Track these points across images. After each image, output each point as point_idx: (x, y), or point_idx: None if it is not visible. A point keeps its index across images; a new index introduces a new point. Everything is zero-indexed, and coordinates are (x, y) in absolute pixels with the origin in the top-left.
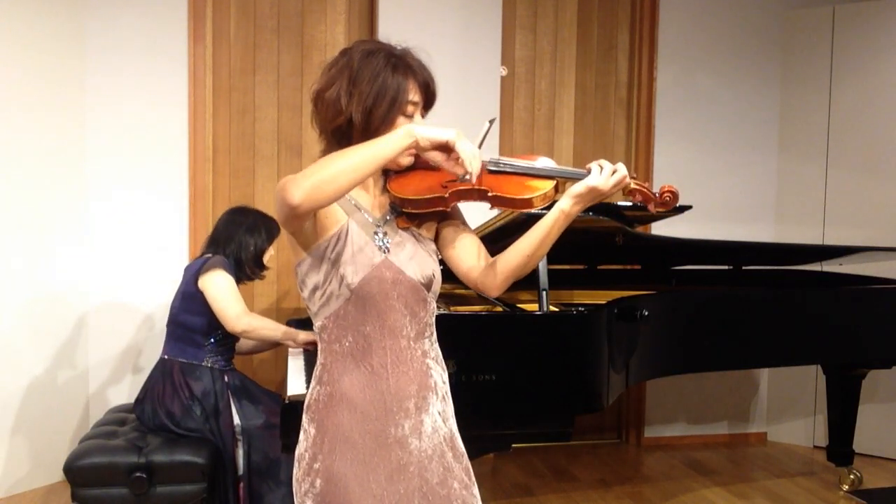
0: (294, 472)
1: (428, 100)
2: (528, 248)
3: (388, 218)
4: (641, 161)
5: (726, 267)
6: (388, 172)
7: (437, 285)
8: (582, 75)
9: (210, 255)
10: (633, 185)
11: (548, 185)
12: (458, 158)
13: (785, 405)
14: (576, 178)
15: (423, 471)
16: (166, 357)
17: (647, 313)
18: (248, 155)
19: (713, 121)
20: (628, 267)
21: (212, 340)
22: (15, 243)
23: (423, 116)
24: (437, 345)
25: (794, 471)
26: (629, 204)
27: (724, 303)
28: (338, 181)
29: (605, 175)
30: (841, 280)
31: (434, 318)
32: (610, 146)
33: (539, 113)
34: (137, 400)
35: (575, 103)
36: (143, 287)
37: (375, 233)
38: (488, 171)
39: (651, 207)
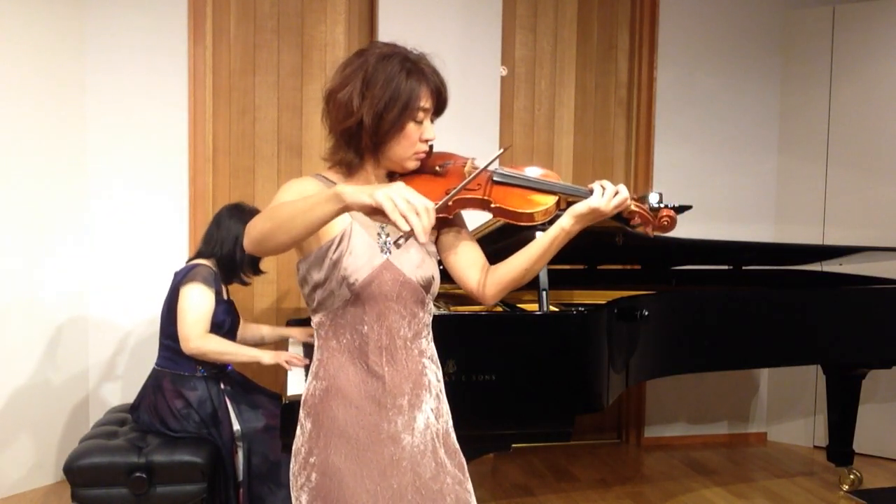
0: (291, 466)
1: (439, 106)
2: (525, 261)
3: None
4: (641, 161)
5: (726, 267)
6: (394, 175)
7: (436, 287)
8: (582, 75)
9: (199, 261)
10: (633, 207)
11: (550, 201)
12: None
13: (785, 405)
14: (577, 195)
15: (415, 466)
16: (158, 368)
17: (647, 313)
18: (248, 155)
19: (713, 120)
20: (628, 267)
21: None
22: (15, 243)
23: (432, 122)
24: (432, 344)
25: (794, 471)
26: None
27: (724, 303)
28: (276, 238)
29: (606, 197)
30: (841, 280)
31: (431, 318)
32: (610, 146)
33: (539, 113)
34: (132, 407)
35: (575, 103)
36: (143, 287)
37: (378, 234)
38: (494, 181)
39: (649, 230)
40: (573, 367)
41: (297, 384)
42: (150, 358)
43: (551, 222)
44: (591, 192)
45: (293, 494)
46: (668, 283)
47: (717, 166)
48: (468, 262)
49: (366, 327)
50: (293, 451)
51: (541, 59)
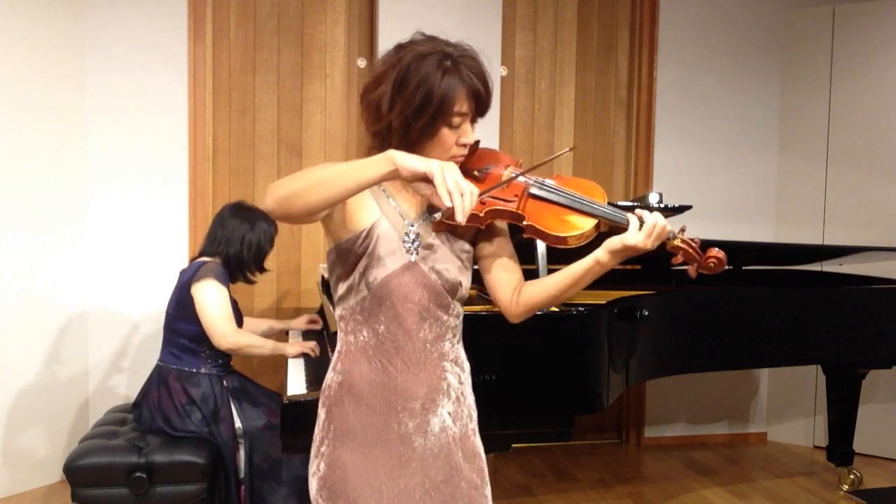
0: (311, 450)
1: (479, 109)
2: (555, 288)
3: (422, 219)
4: (641, 161)
5: (726, 267)
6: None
7: (464, 292)
8: (582, 75)
9: (206, 259)
10: (677, 242)
11: (588, 225)
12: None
13: (785, 405)
14: (615, 222)
15: (426, 468)
16: (162, 364)
17: (647, 313)
18: (248, 155)
19: (713, 121)
20: (628, 267)
21: (208, 348)
22: (15, 242)
23: (475, 122)
24: (458, 346)
25: (794, 471)
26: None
27: (724, 303)
28: (308, 196)
29: (644, 233)
30: (841, 280)
31: (461, 321)
32: (610, 146)
33: (539, 113)
34: (135, 404)
35: (575, 103)
36: (143, 287)
37: (407, 233)
38: (530, 194)
39: (692, 270)
40: (573, 368)
41: (297, 384)
42: (150, 357)
43: (585, 245)
44: (628, 222)
45: (310, 477)
46: (668, 283)
47: (717, 166)
48: (502, 277)
49: (382, 327)
50: (313, 437)
51: (541, 59)
